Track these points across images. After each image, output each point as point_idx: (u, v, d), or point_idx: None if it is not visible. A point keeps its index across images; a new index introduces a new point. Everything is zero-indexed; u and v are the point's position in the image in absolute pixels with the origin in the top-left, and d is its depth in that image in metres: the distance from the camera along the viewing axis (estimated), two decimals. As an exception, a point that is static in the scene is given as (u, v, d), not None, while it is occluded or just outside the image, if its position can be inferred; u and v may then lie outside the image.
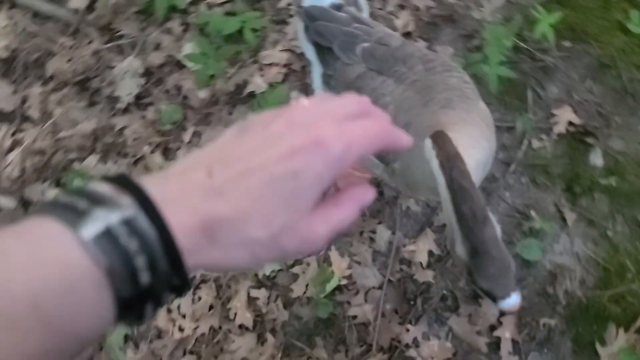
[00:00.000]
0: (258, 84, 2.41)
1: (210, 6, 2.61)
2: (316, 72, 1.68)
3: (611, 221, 1.88)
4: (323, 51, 1.58)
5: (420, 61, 1.47)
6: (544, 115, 2.11)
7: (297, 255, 0.43)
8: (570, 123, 2.04)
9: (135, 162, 2.45)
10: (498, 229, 0.89)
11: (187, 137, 2.43)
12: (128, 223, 0.35)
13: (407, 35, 2.39)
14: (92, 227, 0.34)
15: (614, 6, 2.19)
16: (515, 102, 2.16)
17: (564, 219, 1.94)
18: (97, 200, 0.35)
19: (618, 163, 1.96)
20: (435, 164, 0.96)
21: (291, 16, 2.52)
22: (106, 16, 2.66)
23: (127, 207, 0.35)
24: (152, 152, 2.43)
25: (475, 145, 1.22)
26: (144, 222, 0.35)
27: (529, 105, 2.13)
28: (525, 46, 2.21)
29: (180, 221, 0.37)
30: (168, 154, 2.44)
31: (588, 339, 1.71)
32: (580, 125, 2.03)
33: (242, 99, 2.46)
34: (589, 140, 2.01)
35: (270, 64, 2.45)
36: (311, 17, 1.57)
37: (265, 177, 0.39)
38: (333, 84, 1.60)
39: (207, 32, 2.48)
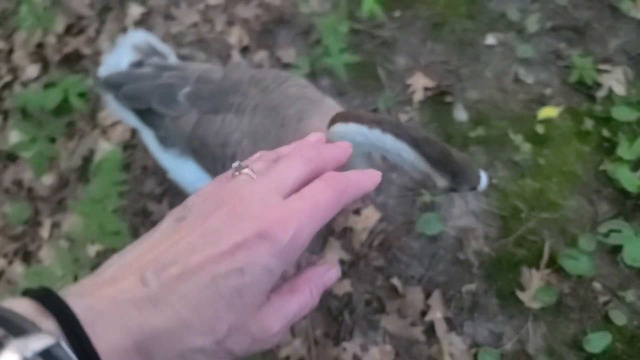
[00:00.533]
0: (106, 148, 2.16)
1: (24, 84, 2.30)
2: (147, 136, 1.50)
3: (492, 169, 1.90)
4: (144, 114, 1.41)
5: (251, 84, 1.34)
6: (401, 87, 2.09)
7: (248, 354, 0.39)
8: (426, 88, 2.04)
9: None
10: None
11: (45, 232, 2.13)
12: (47, 353, 0.30)
13: (245, 49, 2.27)
14: None
15: None
16: (371, 83, 2.12)
17: (451, 182, 1.93)
18: (14, 327, 0.30)
19: (480, 112, 1.99)
20: (375, 135, 0.86)
21: (119, 66, 2.29)
22: None
23: (48, 333, 0.31)
24: (11, 262, 2.10)
25: None
26: (65, 352, 0.31)
27: (384, 83, 2.10)
28: (362, 27, 2.18)
29: (111, 344, 0.33)
30: (29, 258, 2.11)
31: (509, 290, 1.70)
32: (435, 87, 2.04)
33: (94, 171, 2.19)
34: (448, 99, 2.03)
35: (113, 124, 2.21)
36: (113, 85, 1.40)
37: (205, 279, 0.36)
38: (171, 143, 1.43)
39: (30, 112, 2.19)
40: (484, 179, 0.94)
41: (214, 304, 0.36)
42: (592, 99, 1.93)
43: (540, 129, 1.90)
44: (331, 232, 1.97)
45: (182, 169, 1.48)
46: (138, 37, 1.56)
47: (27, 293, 0.34)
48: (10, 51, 2.37)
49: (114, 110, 1.55)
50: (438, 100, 2.05)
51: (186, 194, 1.76)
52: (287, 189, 0.42)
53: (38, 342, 0.30)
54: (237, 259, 0.36)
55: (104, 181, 1.99)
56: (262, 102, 1.32)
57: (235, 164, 0.45)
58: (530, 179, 1.85)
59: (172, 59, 1.59)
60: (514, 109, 1.97)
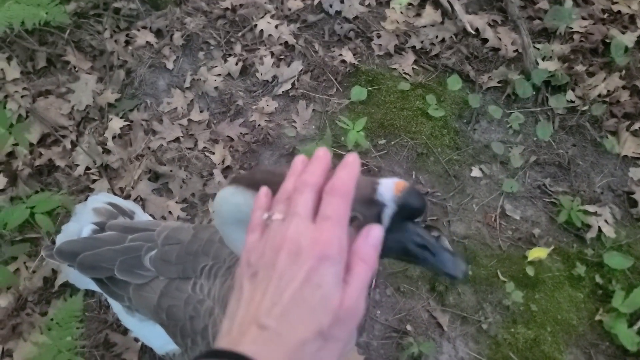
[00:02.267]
0: (70, 270, 1.97)
1: (-11, 196, 2.15)
2: (116, 307, 1.35)
3: (481, 312, 1.76)
4: (106, 284, 1.25)
5: (223, 244, 1.21)
6: (385, 217, 1.99)
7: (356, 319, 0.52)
8: (411, 221, 1.94)
9: None
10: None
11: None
12: None
13: (227, 169, 2.17)
14: None
15: (411, 95, 2.23)
16: (354, 211, 2.02)
17: (439, 324, 1.78)
18: None
19: (467, 248, 1.89)
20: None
21: (94, 181, 2.17)
22: None
23: None
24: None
25: None
26: None
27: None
28: (346, 153, 2.12)
29: None
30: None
31: None
32: (422, 221, 1.94)
33: (55, 293, 1.99)
34: (434, 233, 1.92)
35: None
36: (68, 255, 1.25)
37: (299, 304, 0.49)
38: (141, 312, 1.28)
39: (-9, 228, 2.01)
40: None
41: (313, 315, 0.49)
42: (581, 240, 1.86)
43: (530, 271, 1.79)
44: None
45: (150, 333, 1.31)
46: (99, 200, 1.44)
47: (209, 355, 0.48)
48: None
49: (73, 279, 1.40)
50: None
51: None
52: (311, 213, 0.54)
53: None
54: (312, 280, 0.49)
55: (66, 307, 1.78)
56: (237, 263, 1.19)
57: (265, 216, 0.58)
58: (523, 327, 1.72)
59: (139, 214, 1.47)
60: (502, 247, 1.88)
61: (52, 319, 1.58)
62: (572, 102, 2.16)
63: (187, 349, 1.19)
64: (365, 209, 0.64)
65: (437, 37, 2.42)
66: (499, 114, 2.14)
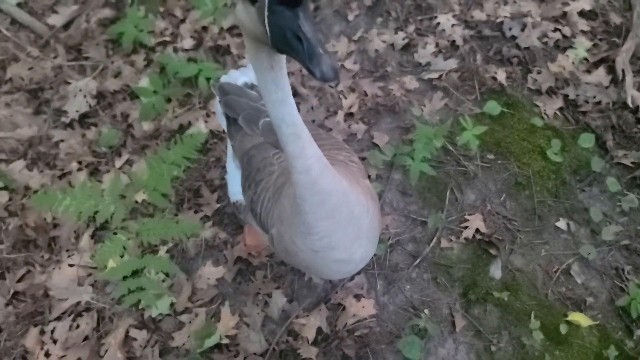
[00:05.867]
0: (200, 128, 2.35)
1: (176, 50, 2.60)
2: (229, 150, 1.68)
3: (497, 336, 1.77)
4: (231, 123, 1.59)
5: (315, 139, 1.43)
6: (457, 218, 2.05)
7: None
8: (478, 231, 1.98)
9: (60, 177, 2.31)
10: None
11: (119, 163, 2.32)
12: None
13: (349, 115, 2.37)
14: None
15: (539, 132, 2.22)
16: (434, 199, 2.11)
17: (454, 324, 1.82)
18: None
19: (515, 280, 1.88)
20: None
21: (250, 75, 2.52)
22: (77, 37, 2.62)
23: None
24: (79, 169, 2.31)
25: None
26: None
27: (445, 205, 2.08)
28: (454, 150, 2.20)
29: None
30: (96, 175, 2.31)
31: None
32: (487, 235, 1.97)
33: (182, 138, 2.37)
34: (493, 251, 1.94)
35: (215, 113, 2.40)
36: (224, 91, 1.60)
37: None
38: (238, 160, 1.57)
39: (166, 72, 2.45)
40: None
41: None
42: (629, 332, 1.75)
43: (563, 329, 1.75)
44: (327, 299, 1.94)
45: (234, 178, 1.59)
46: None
47: None
48: (182, 21, 2.70)
49: (216, 109, 1.73)
50: (483, 247, 1.97)
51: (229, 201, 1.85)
52: None
53: None
54: None
55: (181, 150, 2.13)
56: None
57: None
58: (528, 368, 1.69)
59: None
60: (549, 296, 1.84)
61: (169, 149, 1.92)
62: (698, 214, 1.98)
63: (246, 190, 1.44)
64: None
65: (595, 97, 2.35)
66: (615, 188, 2.05)
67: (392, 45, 2.58)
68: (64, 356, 1.88)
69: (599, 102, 2.34)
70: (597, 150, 2.19)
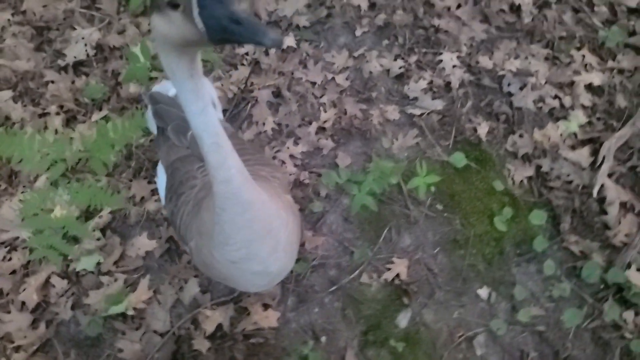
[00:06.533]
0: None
1: (181, 22, 2.64)
2: (159, 154, 1.71)
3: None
4: (160, 133, 1.62)
5: (239, 153, 1.45)
6: (386, 257, 2.06)
7: None
8: (398, 276, 1.98)
9: (40, 115, 2.42)
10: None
11: (96, 117, 2.41)
12: None
13: (322, 129, 2.38)
14: None
15: (496, 196, 2.18)
16: (372, 233, 2.11)
17: (343, 359, 1.85)
18: None
19: (418, 333, 1.89)
20: None
21: (242, 64, 2.54)
22: (95, -15, 2.71)
23: None
24: (58, 114, 2.41)
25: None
26: None
27: (379, 242, 2.08)
28: (406, 190, 2.18)
29: None
30: (70, 123, 2.40)
31: None
32: (405, 283, 1.97)
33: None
34: (405, 300, 1.95)
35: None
36: (154, 100, 1.62)
37: None
38: (162, 164, 1.62)
39: (164, 41, 2.50)
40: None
41: None
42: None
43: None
44: (237, 300, 1.99)
45: (162, 183, 1.64)
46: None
47: None
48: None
49: (148, 117, 1.77)
50: (398, 293, 1.97)
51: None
52: None
53: None
54: None
55: (129, 125, 2.13)
56: None
57: None
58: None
59: (218, 112, 1.79)
60: (444, 358, 1.84)
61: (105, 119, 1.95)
62: (625, 322, 1.92)
63: (168, 202, 1.49)
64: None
65: (568, 175, 2.28)
66: (550, 272, 2.01)
67: (388, 71, 2.55)
68: (-12, 277, 2.01)
69: (569, 182, 2.27)
70: (548, 229, 2.13)
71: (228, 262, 1.22)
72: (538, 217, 2.09)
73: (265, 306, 1.96)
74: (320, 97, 2.47)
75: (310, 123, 2.39)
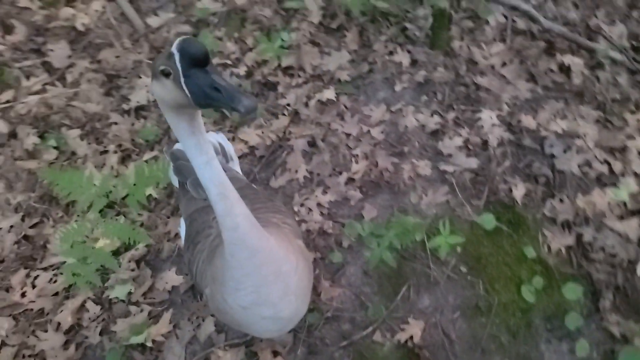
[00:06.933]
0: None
1: (232, 74, 2.85)
2: (180, 205, 1.83)
3: None
4: (181, 187, 1.76)
5: (250, 202, 1.51)
6: (402, 317, 1.99)
7: None
8: (411, 338, 1.90)
9: (101, 153, 2.68)
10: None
11: (147, 156, 2.63)
12: None
13: (351, 180, 2.41)
14: None
15: (527, 263, 2.05)
16: (390, 289, 2.07)
17: None
18: None
19: (426, 402, 1.78)
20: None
21: (283, 114, 2.67)
22: (160, 41, 3.01)
23: None
24: (115, 152, 2.65)
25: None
26: None
27: (395, 299, 2.03)
28: (423, 250, 2.12)
29: None
30: (125, 161, 2.64)
31: None
32: (418, 346, 1.89)
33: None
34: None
35: (242, 140, 2.59)
36: (174, 157, 1.77)
37: None
38: (183, 216, 1.73)
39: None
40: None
41: None
42: None
43: None
44: (250, 344, 2.00)
45: (182, 231, 1.75)
46: (217, 137, 1.92)
47: None
48: (250, 49, 2.94)
49: (170, 174, 1.90)
50: (410, 356, 1.89)
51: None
52: None
53: None
54: None
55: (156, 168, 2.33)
56: None
57: None
58: None
59: (235, 164, 1.89)
60: None
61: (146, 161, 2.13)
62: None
63: (186, 250, 1.59)
64: (168, 61, 0.89)
65: (613, 247, 2.10)
66: (583, 353, 1.83)
67: (423, 126, 2.56)
68: (33, 301, 2.20)
69: (614, 255, 2.08)
70: (585, 305, 1.96)
71: (240, 307, 1.27)
72: (572, 291, 1.93)
73: (275, 353, 1.96)
74: (354, 148, 2.51)
75: (340, 173, 2.43)
